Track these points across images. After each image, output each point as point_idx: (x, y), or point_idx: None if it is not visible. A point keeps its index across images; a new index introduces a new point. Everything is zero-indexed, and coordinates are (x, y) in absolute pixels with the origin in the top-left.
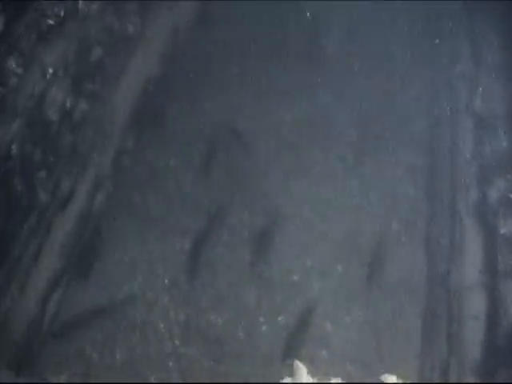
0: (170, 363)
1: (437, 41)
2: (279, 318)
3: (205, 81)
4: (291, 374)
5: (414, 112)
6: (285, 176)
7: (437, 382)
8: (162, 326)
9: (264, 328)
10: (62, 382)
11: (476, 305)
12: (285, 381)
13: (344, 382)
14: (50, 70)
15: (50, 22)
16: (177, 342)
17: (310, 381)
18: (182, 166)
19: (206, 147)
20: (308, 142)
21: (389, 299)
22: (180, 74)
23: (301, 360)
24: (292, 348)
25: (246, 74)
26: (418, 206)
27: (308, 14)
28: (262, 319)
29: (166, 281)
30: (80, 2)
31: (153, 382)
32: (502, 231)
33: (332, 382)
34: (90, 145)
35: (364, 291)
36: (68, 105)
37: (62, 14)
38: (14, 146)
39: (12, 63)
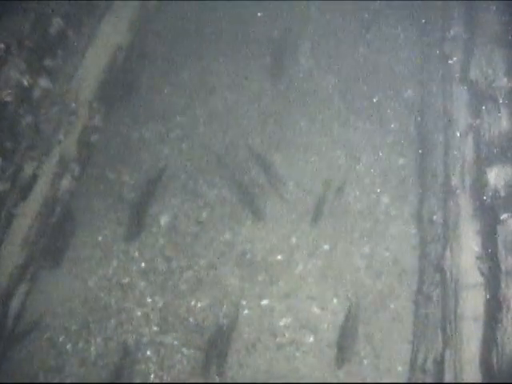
0: (148, 352)
1: None
2: None
3: (180, 48)
4: None
5: (405, 78)
6: (266, 147)
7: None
8: (138, 313)
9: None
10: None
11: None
12: None
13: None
14: (2, 46)
15: None
16: (155, 329)
17: None
18: (158, 138)
19: (185, 117)
20: (290, 111)
21: (377, 279)
22: (153, 43)
23: None
24: None
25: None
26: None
27: None
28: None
29: (143, 264)
30: None
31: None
32: (502, 216)
33: None
34: (53, 125)
35: (350, 270)
36: (25, 83)
37: None
38: None
39: None
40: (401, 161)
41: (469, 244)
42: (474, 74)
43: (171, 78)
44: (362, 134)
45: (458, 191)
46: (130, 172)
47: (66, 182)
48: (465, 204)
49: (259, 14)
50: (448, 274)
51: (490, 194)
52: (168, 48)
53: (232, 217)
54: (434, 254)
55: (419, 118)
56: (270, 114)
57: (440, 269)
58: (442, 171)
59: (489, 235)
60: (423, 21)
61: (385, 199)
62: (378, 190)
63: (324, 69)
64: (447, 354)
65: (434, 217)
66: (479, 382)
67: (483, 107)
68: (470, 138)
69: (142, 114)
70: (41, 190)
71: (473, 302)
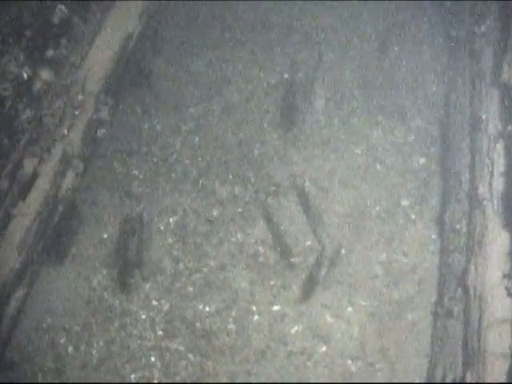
0: (152, 358)
1: None
2: None
3: (196, 36)
4: None
5: (429, 76)
6: (282, 142)
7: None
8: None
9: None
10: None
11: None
12: None
13: None
14: None
15: None
16: (160, 334)
17: None
18: (170, 131)
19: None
20: (306, 102)
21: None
22: (167, 30)
23: None
24: None
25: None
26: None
27: None
28: None
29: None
30: None
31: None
32: None
33: None
34: (57, 119)
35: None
36: (25, 76)
37: None
38: None
39: None
40: (422, 161)
41: (496, 261)
42: (506, 74)
43: (185, 68)
44: (382, 131)
45: (485, 202)
46: (140, 165)
47: (69, 180)
48: (493, 217)
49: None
50: (472, 290)
51: None
52: (183, 35)
53: (244, 216)
54: (456, 266)
55: (443, 118)
56: (289, 107)
57: (463, 284)
58: (468, 178)
59: None
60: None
61: (404, 202)
62: (398, 192)
63: (343, 67)
64: (468, 376)
65: (458, 226)
66: None
67: None
68: (500, 146)
69: (154, 105)
70: (42, 188)
71: (499, 328)
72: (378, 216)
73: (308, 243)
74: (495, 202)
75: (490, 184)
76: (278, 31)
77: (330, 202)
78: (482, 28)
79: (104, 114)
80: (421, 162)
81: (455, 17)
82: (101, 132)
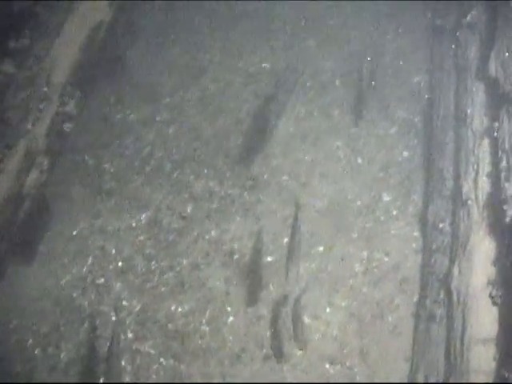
0: (122, 362)
1: None
2: None
3: (172, 21)
4: None
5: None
6: (260, 133)
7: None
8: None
9: None
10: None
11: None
12: None
13: None
14: None
15: None
16: (130, 337)
17: None
18: (144, 121)
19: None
20: (288, 96)
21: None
22: (141, 15)
23: None
24: None
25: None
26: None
27: None
28: None
29: (120, 263)
30: None
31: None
32: None
33: None
34: (20, 113)
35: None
36: None
37: None
38: None
39: None
40: (405, 153)
41: (481, 266)
42: (493, 67)
43: (161, 56)
44: (364, 122)
45: (469, 202)
46: (112, 159)
47: (34, 176)
48: (478, 218)
49: None
50: (455, 296)
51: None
52: (159, 22)
53: (219, 212)
54: (439, 267)
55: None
56: (267, 98)
57: (446, 287)
58: (452, 174)
59: (505, 258)
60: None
61: (386, 197)
62: (380, 186)
63: (324, 56)
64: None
65: (441, 224)
66: None
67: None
68: (486, 143)
69: (128, 95)
70: (5, 185)
71: (483, 329)
72: (358, 211)
73: (285, 240)
74: (480, 203)
75: (476, 183)
76: (257, 18)
77: (309, 196)
78: (468, 18)
79: (70, 107)
80: (404, 155)
81: (441, 5)
82: (67, 126)
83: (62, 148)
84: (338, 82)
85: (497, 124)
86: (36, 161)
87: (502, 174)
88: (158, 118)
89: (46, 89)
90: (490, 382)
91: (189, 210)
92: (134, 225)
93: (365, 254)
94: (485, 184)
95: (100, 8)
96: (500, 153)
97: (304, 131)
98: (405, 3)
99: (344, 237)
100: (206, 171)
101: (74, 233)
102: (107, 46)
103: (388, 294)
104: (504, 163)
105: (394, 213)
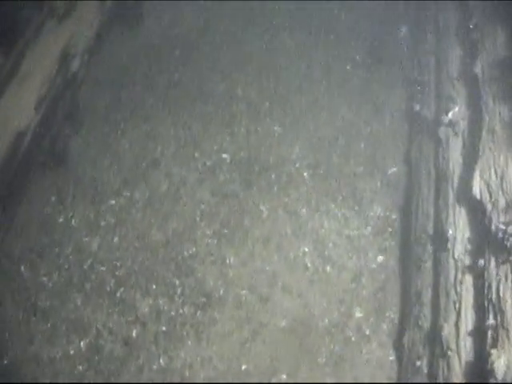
0: None
1: None
2: None
3: (121, 106)
4: None
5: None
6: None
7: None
8: None
9: None
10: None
11: None
12: None
13: None
14: None
15: None
16: None
17: None
18: (87, 227)
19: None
20: (250, 192)
21: None
22: (88, 98)
23: None
24: None
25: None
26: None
27: None
28: None
29: None
30: None
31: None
32: None
33: None
34: None
35: None
36: None
37: None
38: None
39: None
40: (380, 258)
41: None
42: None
43: (107, 147)
44: (334, 222)
45: (449, 353)
46: (50, 271)
47: None
48: (459, 374)
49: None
50: None
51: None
52: (107, 106)
53: (168, 336)
54: None
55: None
56: (226, 196)
57: None
58: (429, 303)
59: None
60: None
61: (358, 312)
62: (351, 299)
63: (292, 142)
64: None
65: (418, 362)
66: None
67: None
68: (469, 280)
69: (71, 193)
70: None
71: None
72: (326, 331)
73: (244, 367)
74: (463, 354)
75: (457, 329)
76: (217, 99)
77: (270, 315)
78: (449, 115)
79: None
80: (378, 261)
81: (422, 95)
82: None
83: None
84: (305, 175)
85: (482, 262)
86: None
87: (489, 334)
88: (102, 223)
89: None
90: None
91: (134, 333)
92: (72, 352)
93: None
94: (468, 329)
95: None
96: (486, 303)
97: (266, 235)
98: (381, 81)
99: (309, 362)
100: (154, 287)
101: (5, 361)
102: (47, 134)
103: None
104: (491, 320)
105: (367, 332)
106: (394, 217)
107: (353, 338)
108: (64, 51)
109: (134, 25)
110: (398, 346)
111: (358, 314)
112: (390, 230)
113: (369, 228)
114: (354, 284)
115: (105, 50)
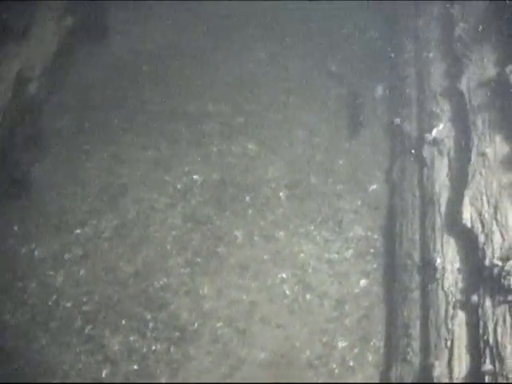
0: None
1: None
2: None
3: (87, 130)
4: None
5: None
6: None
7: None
8: None
9: None
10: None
11: None
12: None
13: None
14: None
15: None
16: None
17: None
18: (51, 260)
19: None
20: (223, 216)
21: None
22: (52, 122)
23: None
24: None
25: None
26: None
27: None
28: None
29: None
30: None
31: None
32: None
33: None
34: None
35: None
36: None
37: None
38: None
39: None
40: (363, 282)
41: None
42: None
43: (73, 174)
44: (314, 245)
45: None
46: (13, 308)
47: None
48: None
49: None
50: None
51: None
52: (71, 129)
53: (141, 375)
54: None
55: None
56: (198, 221)
57: None
58: (418, 338)
59: None
60: None
61: (341, 342)
62: (333, 329)
63: (268, 162)
64: None
65: None
66: None
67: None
68: (462, 317)
69: (34, 223)
70: None
71: None
72: (308, 364)
73: None
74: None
75: (450, 368)
76: (187, 118)
77: (248, 348)
78: (434, 133)
79: None
80: (361, 285)
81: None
82: None
83: None
84: (282, 195)
85: (476, 298)
86: None
87: (486, 380)
88: (67, 256)
89: None
90: None
91: (104, 374)
92: None
93: None
94: (462, 370)
95: None
96: (482, 345)
97: (242, 262)
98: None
99: None
100: (124, 322)
101: None
102: (3, 163)
103: None
104: (488, 365)
105: (351, 363)
106: (375, 237)
107: (336, 370)
108: (19, 75)
109: (98, 41)
110: (385, 380)
111: (342, 344)
112: (372, 251)
113: (350, 250)
114: (336, 312)
115: (67, 70)
